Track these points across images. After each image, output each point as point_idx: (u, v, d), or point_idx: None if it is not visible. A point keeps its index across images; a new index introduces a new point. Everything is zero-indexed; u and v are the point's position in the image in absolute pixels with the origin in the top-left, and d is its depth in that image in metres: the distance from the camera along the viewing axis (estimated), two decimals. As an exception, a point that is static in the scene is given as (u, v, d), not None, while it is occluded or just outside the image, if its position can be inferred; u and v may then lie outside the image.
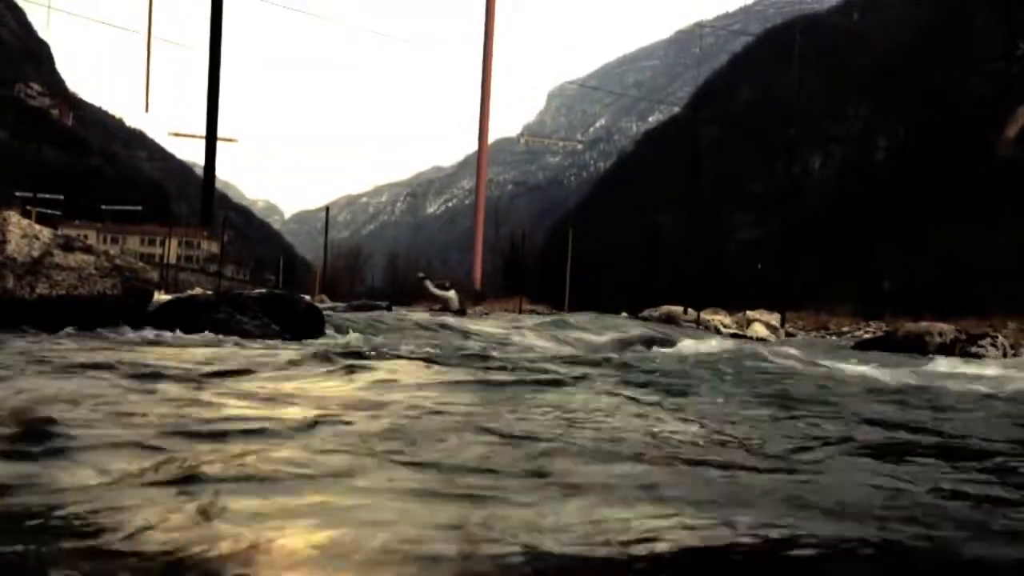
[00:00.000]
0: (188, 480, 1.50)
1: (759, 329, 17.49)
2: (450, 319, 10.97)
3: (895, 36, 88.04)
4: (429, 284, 16.87)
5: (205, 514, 1.27)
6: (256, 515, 1.30)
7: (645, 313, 18.65)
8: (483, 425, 2.30)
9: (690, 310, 18.74)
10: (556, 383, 3.73)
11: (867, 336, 18.78)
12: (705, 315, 18.24)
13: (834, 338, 22.09)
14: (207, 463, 1.64)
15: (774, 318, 20.17)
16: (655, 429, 2.46)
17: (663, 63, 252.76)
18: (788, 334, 19.47)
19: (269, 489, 1.48)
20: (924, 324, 13.01)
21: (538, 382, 3.74)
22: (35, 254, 6.52)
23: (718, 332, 15.86)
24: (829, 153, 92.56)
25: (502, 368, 4.53)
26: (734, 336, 15.64)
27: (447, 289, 16.87)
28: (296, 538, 1.20)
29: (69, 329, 6.04)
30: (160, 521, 1.23)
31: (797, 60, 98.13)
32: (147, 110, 21.81)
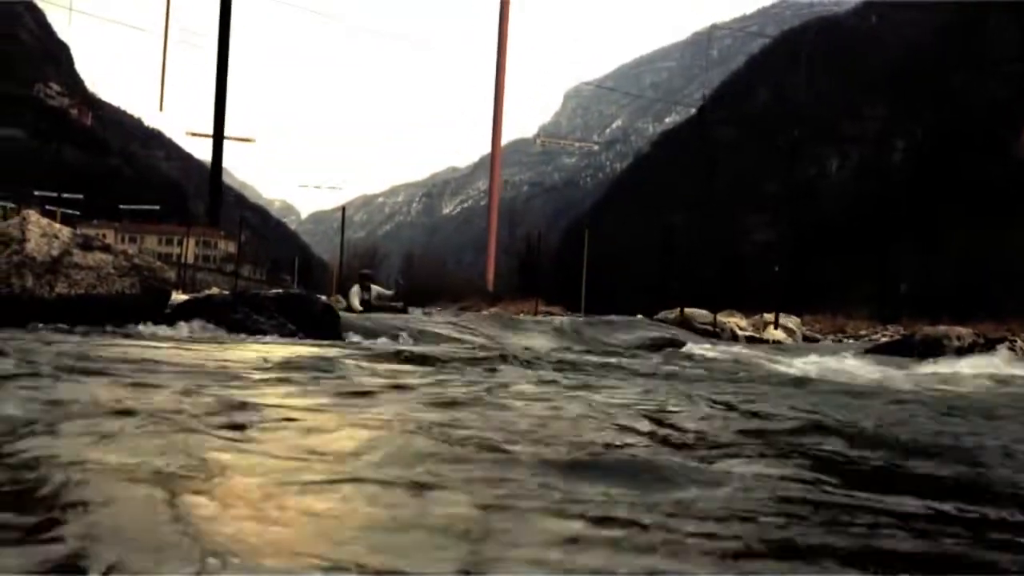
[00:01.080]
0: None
1: (775, 332, 17.43)
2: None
3: (911, 37, 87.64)
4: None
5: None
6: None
7: (660, 315, 18.61)
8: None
9: (706, 312, 18.68)
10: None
11: (884, 340, 18.67)
12: (721, 317, 18.18)
13: (851, 341, 21.97)
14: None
15: (791, 321, 20.10)
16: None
17: (679, 64, 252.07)
18: (805, 337, 19.38)
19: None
20: (942, 328, 12.93)
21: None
22: (54, 253, 6.57)
23: (734, 335, 15.81)
24: (846, 154, 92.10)
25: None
26: (750, 340, 15.58)
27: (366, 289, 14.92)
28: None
29: (83, 328, 6.07)
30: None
31: (811, 61, 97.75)
32: (161, 109, 21.87)
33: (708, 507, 1.47)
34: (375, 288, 15.32)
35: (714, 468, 1.86)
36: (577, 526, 1.30)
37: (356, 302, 14.36)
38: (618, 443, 2.16)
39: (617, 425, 2.47)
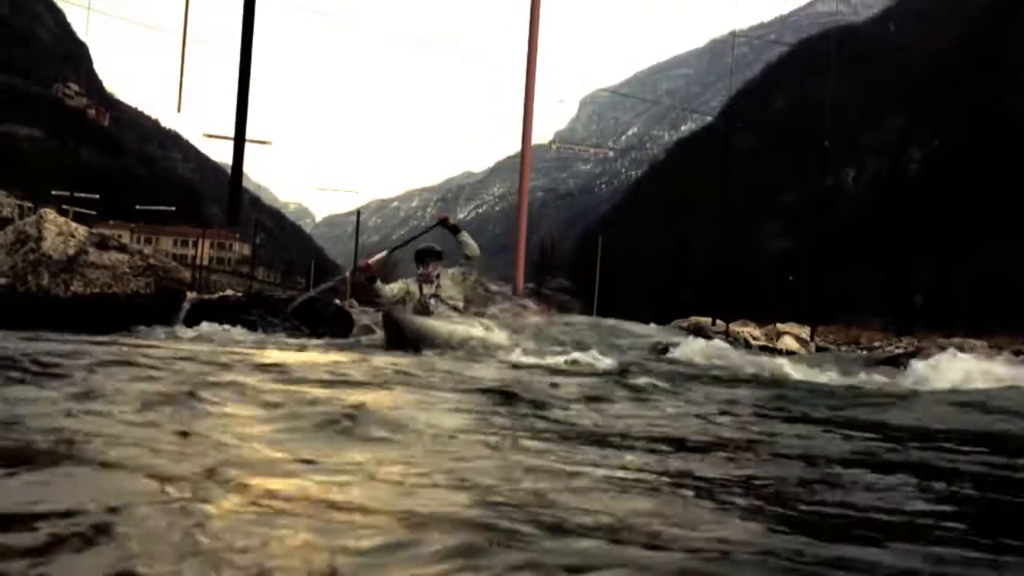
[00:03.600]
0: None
1: (789, 342, 17.36)
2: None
3: (930, 47, 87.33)
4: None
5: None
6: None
7: (674, 323, 18.56)
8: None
9: (719, 321, 18.63)
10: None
11: (898, 351, 18.56)
12: (734, 327, 18.12)
13: (864, 352, 21.83)
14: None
15: (804, 331, 20.01)
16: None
17: (696, 72, 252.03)
18: (819, 348, 19.29)
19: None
20: (956, 340, 12.88)
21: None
22: (70, 252, 6.60)
23: (747, 345, 15.75)
24: (863, 164, 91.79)
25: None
26: (763, 349, 15.52)
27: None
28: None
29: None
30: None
31: (830, 70, 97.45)
32: (179, 111, 21.88)
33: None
34: (445, 283, 7.55)
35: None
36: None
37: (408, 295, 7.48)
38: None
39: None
